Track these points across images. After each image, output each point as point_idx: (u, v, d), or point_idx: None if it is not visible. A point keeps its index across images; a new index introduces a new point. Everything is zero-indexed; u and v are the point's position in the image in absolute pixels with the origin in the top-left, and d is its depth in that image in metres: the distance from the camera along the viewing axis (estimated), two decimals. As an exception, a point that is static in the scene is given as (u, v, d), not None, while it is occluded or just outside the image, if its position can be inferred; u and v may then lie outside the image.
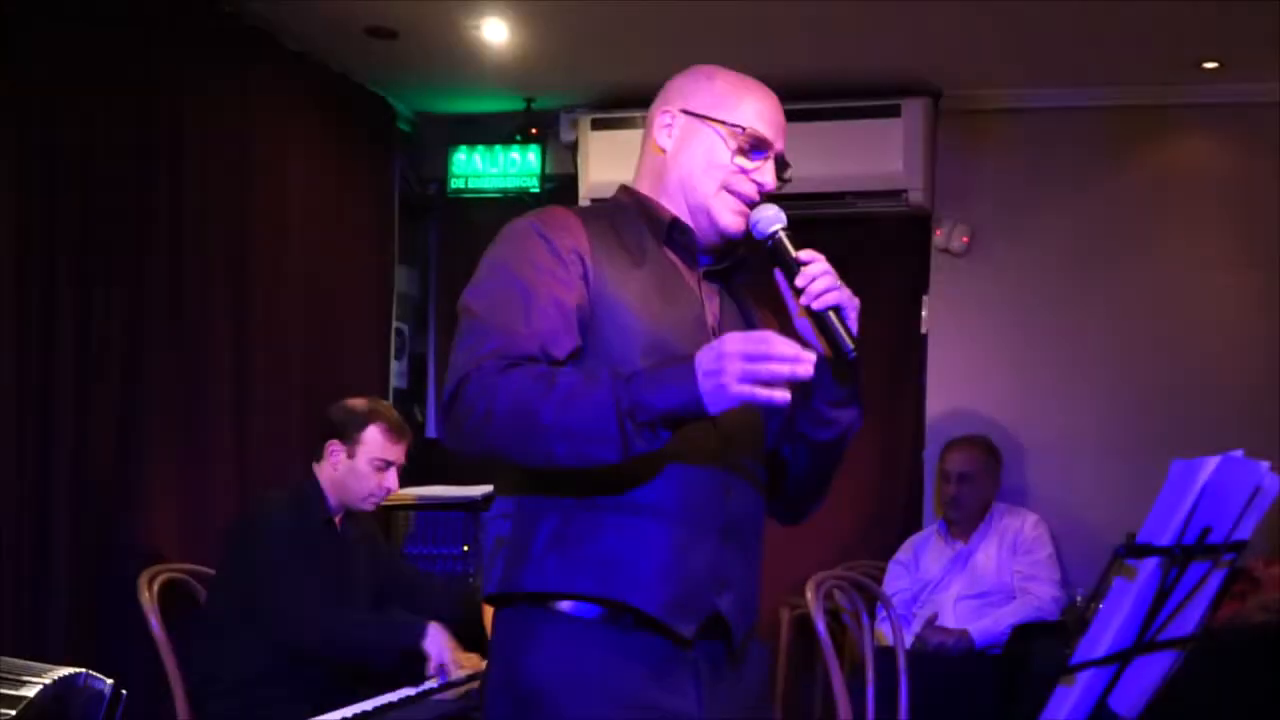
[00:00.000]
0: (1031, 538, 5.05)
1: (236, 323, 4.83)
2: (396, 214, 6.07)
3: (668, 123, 2.28)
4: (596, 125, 5.73)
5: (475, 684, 3.56)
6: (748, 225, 2.22)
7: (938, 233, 5.69)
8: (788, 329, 2.15)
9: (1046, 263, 5.61)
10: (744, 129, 2.22)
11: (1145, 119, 5.52)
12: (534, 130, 5.89)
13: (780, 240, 2.18)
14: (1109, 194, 5.57)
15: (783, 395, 1.91)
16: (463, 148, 6.00)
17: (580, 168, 5.79)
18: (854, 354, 2.12)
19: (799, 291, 2.12)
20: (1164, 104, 5.48)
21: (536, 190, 5.90)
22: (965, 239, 5.66)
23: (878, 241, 5.65)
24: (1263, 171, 5.41)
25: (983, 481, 5.15)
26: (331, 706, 3.33)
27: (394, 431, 3.79)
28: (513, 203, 6.01)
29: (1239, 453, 2.03)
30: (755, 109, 2.25)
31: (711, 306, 2.27)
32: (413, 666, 3.52)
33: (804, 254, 2.14)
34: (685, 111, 2.26)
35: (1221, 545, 2.08)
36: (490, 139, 5.97)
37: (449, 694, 3.57)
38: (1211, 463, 1.97)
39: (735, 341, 1.91)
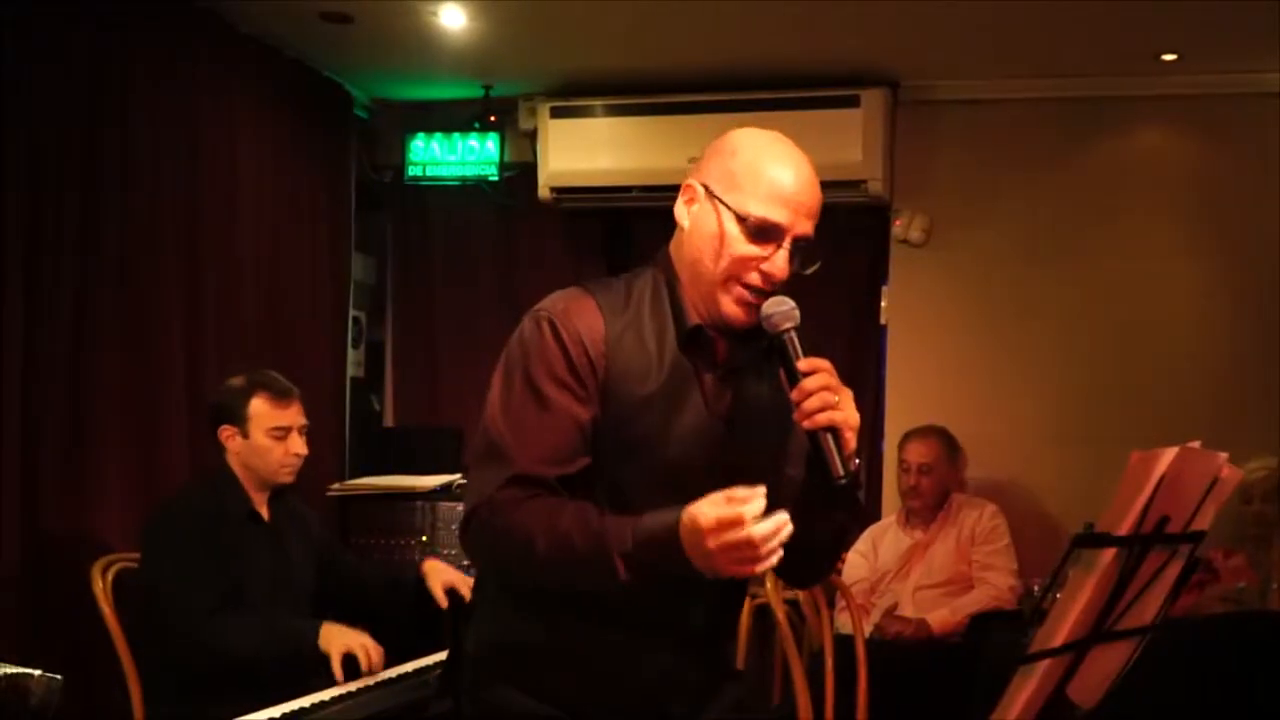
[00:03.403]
0: (989, 527, 5.06)
1: (189, 312, 4.77)
2: (353, 201, 6.03)
3: (690, 197, 2.19)
4: (556, 113, 5.69)
5: (436, 671, 3.53)
6: (757, 316, 2.11)
7: (896, 223, 5.70)
8: None
9: (1005, 253, 5.62)
10: (748, 217, 2.11)
11: (1104, 110, 5.54)
12: (492, 118, 5.84)
13: (786, 343, 2.08)
14: (1067, 185, 5.59)
15: (761, 568, 1.90)
16: (420, 135, 5.95)
17: (539, 156, 5.75)
18: (843, 481, 2.03)
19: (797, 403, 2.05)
20: (1123, 95, 5.50)
21: (495, 178, 5.86)
22: (924, 229, 5.66)
23: (837, 232, 5.63)
24: (1221, 163, 5.44)
25: (941, 472, 5.15)
26: (286, 698, 3.29)
27: (279, 396, 3.68)
28: (471, 190, 5.98)
29: (1197, 443, 2.03)
30: (771, 190, 2.13)
31: (725, 402, 2.18)
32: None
33: (804, 363, 2.05)
34: (704, 186, 2.17)
35: (1179, 535, 2.08)
36: (448, 126, 5.93)
37: (411, 680, 3.54)
38: (1169, 453, 1.97)
39: (709, 534, 1.88)
